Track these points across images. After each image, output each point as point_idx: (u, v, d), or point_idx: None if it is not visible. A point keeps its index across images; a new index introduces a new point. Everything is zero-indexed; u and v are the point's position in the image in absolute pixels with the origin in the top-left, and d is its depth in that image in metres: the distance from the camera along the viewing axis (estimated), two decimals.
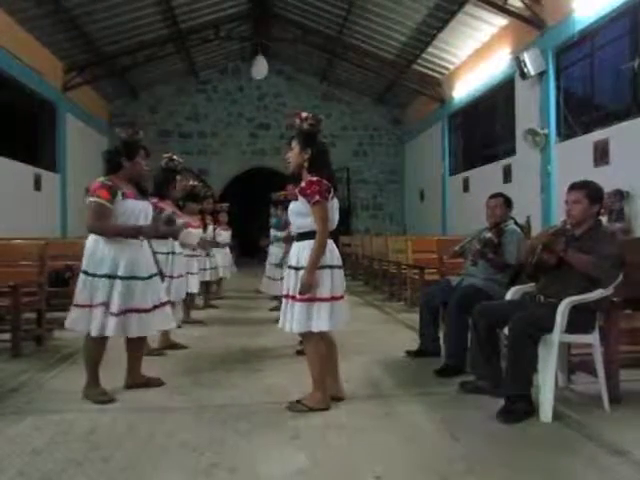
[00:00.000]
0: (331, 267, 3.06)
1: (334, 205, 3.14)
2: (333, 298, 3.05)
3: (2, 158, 9.79)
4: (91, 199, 3.24)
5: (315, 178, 3.04)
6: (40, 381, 3.78)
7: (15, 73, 10.26)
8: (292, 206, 3.16)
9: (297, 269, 3.05)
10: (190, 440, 2.71)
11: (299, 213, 3.09)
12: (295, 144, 3.15)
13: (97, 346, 3.34)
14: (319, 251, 3.00)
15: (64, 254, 6.10)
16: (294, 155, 3.15)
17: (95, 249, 3.27)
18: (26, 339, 4.72)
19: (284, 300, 3.14)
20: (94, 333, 3.22)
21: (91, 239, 3.32)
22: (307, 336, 3.07)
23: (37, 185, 11.28)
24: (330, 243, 3.09)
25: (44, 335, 4.96)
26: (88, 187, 3.37)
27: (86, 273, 3.26)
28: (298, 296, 2.99)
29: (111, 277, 3.24)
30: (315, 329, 3.01)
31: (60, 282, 5.81)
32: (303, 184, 3.05)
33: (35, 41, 11.04)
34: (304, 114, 3.18)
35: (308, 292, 2.96)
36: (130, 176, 3.41)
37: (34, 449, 2.60)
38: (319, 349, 3.09)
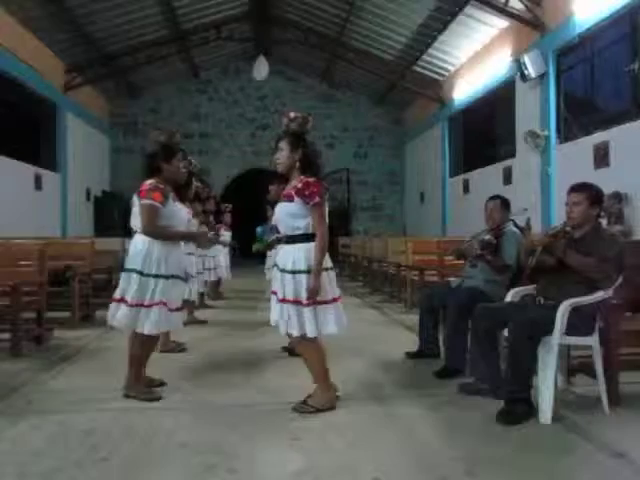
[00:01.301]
0: (327, 269, 3.05)
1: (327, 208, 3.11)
2: (334, 300, 3.06)
3: (3, 157, 9.79)
4: (145, 201, 3.30)
5: (312, 179, 3.01)
6: (40, 381, 3.79)
7: (16, 73, 10.27)
8: (285, 207, 3.07)
9: (294, 272, 3.00)
10: (190, 440, 2.71)
11: (294, 215, 3.02)
12: (284, 145, 3.11)
13: (153, 343, 3.44)
14: (323, 254, 2.98)
15: (64, 254, 6.11)
16: (284, 156, 3.11)
17: (151, 250, 3.32)
18: (26, 339, 4.72)
19: (280, 304, 3.05)
20: (155, 331, 3.31)
21: (144, 240, 3.34)
22: (307, 339, 3.03)
23: (38, 184, 11.28)
24: None
25: (44, 335, 4.95)
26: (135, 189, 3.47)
27: (141, 273, 3.29)
28: (305, 301, 2.96)
29: (170, 277, 3.35)
30: (325, 332, 3.02)
31: (60, 282, 5.81)
32: (300, 185, 2.99)
33: (36, 41, 11.05)
34: (292, 114, 3.15)
35: (316, 296, 2.95)
36: (168, 179, 3.47)
37: (33, 449, 2.61)
38: (319, 349, 3.10)
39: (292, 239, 3.05)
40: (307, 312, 2.96)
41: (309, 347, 3.09)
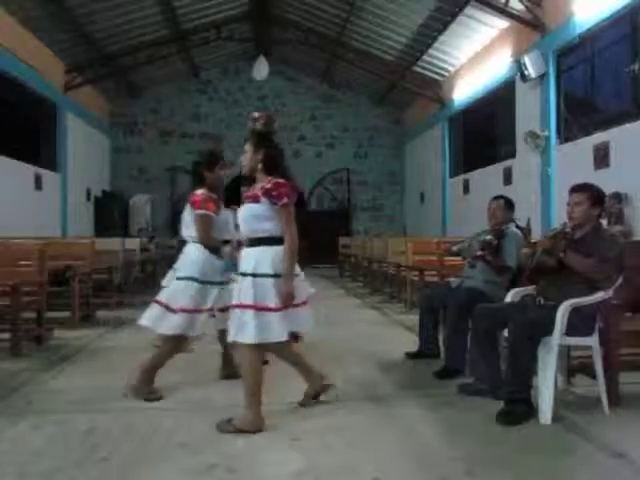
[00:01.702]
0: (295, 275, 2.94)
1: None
2: (294, 305, 2.91)
3: (3, 157, 9.79)
4: (200, 211, 3.39)
5: (281, 180, 2.90)
6: (40, 381, 3.79)
7: (16, 73, 10.27)
8: (249, 209, 2.93)
9: (255, 276, 2.82)
10: (189, 440, 2.71)
11: (259, 216, 2.87)
12: (248, 146, 3.04)
13: (179, 347, 3.46)
14: (294, 257, 2.85)
15: (64, 254, 6.11)
16: (247, 157, 3.03)
17: (207, 258, 3.41)
18: (26, 339, 4.72)
19: (238, 310, 2.83)
20: (196, 333, 3.40)
21: (198, 248, 3.43)
22: (249, 347, 2.82)
23: (38, 185, 11.28)
24: None
25: (44, 335, 4.95)
26: (189, 199, 3.51)
27: (198, 281, 3.37)
28: (274, 305, 2.79)
29: (221, 284, 3.44)
30: (290, 330, 2.94)
31: (60, 282, 5.80)
32: (268, 185, 2.86)
33: (37, 41, 11.05)
34: (256, 114, 3.09)
35: (291, 301, 2.82)
36: (211, 186, 3.52)
37: (33, 449, 2.61)
38: (257, 362, 2.89)
39: (256, 242, 2.90)
40: (273, 317, 2.80)
41: (250, 358, 2.85)
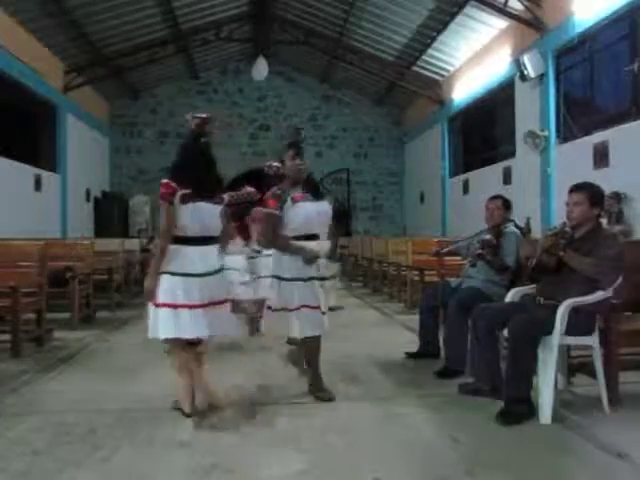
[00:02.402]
0: (172, 274, 2.93)
1: (199, 209, 2.97)
2: (176, 306, 2.92)
3: (2, 158, 9.78)
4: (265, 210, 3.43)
5: (165, 180, 2.97)
6: (40, 382, 3.79)
7: (16, 73, 10.26)
8: None
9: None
10: (189, 441, 2.71)
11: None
12: None
13: None
14: (157, 255, 2.95)
15: (64, 255, 6.11)
16: None
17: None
18: (26, 340, 4.72)
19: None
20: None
21: None
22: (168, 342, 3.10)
23: (37, 185, 11.27)
24: (187, 249, 2.96)
25: (44, 336, 4.95)
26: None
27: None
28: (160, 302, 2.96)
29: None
30: (151, 335, 2.99)
31: (60, 283, 5.80)
32: None
33: (36, 42, 11.04)
34: (187, 116, 3.10)
35: (150, 298, 2.96)
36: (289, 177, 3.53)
37: (34, 449, 2.61)
38: (180, 357, 3.12)
39: None
40: (157, 313, 2.96)
41: (172, 352, 3.15)
